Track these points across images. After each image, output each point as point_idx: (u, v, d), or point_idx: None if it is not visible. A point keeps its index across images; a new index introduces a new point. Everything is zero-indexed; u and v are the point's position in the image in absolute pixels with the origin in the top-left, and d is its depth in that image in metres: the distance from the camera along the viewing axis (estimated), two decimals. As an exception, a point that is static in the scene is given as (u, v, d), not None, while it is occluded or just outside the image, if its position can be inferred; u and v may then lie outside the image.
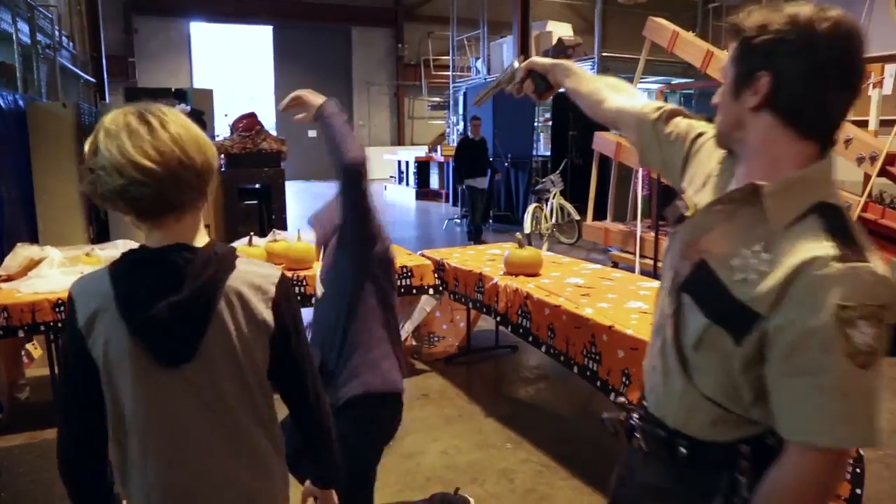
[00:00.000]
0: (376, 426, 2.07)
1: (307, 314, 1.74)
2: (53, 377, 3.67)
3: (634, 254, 6.26)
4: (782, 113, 1.06)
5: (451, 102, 16.97)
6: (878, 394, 1.00)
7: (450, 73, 17.05)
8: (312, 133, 22.33)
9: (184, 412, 1.19)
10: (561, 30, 14.70)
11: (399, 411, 2.10)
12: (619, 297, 3.22)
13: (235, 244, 4.12)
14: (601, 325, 2.79)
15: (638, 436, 1.29)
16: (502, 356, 4.70)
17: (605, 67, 12.67)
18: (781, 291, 0.99)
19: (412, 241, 8.53)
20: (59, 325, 3.35)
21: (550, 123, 12.08)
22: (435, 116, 21.67)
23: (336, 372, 1.99)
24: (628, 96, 1.52)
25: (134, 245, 3.44)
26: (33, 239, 5.91)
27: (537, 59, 1.65)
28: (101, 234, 6.78)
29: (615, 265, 6.64)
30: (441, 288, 4.18)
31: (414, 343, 4.62)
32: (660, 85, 10.39)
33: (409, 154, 17.06)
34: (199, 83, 19.83)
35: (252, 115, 7.77)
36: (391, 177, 18.86)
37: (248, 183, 7.34)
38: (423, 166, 16.14)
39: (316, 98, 2.06)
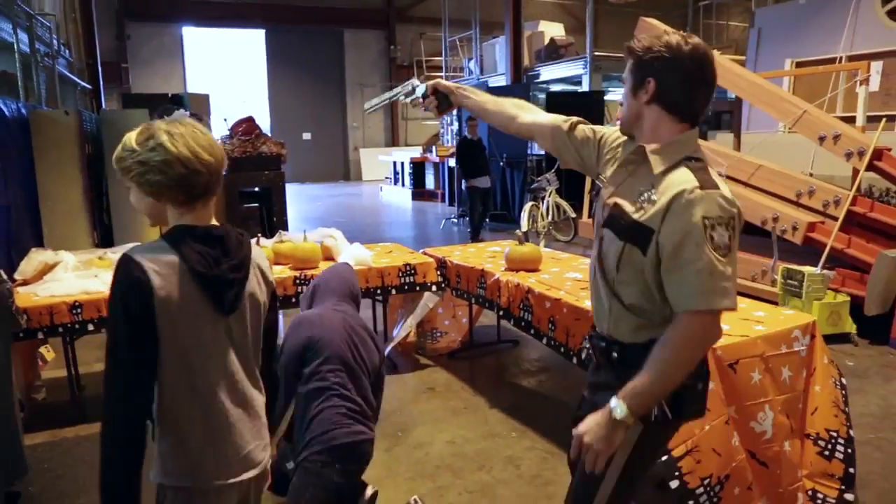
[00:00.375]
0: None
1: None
2: (70, 378, 3.78)
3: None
4: (665, 105, 1.57)
5: (445, 103, 17.07)
6: (734, 277, 1.47)
7: (443, 73, 17.17)
8: (307, 136, 22.48)
9: (227, 352, 1.52)
10: (553, 30, 14.86)
11: None
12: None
13: (243, 246, 4.23)
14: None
15: (591, 351, 1.80)
16: (504, 350, 4.83)
17: (597, 66, 12.84)
18: (665, 211, 1.48)
19: (409, 241, 8.65)
20: (76, 326, 3.46)
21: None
22: (428, 117, 21.79)
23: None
24: (535, 113, 1.96)
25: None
26: (38, 244, 5.99)
27: (441, 81, 2.06)
28: (105, 238, 6.89)
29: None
30: (443, 285, 4.30)
31: (417, 339, 4.74)
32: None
33: (404, 155, 17.18)
34: (192, 88, 19.90)
35: (251, 119, 7.87)
36: (386, 178, 18.97)
37: (249, 186, 7.44)
38: (418, 167, 16.25)
39: None
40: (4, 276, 3.84)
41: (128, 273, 1.38)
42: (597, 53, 12.63)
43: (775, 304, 4.09)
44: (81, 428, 3.56)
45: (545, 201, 9.46)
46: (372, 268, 4.11)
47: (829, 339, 3.96)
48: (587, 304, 3.06)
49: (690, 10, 14.97)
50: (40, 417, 3.62)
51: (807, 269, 4.87)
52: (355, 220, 12.31)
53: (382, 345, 2.77)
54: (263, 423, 1.63)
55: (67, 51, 10.31)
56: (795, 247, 5.40)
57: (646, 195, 1.55)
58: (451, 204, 13.65)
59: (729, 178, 6.10)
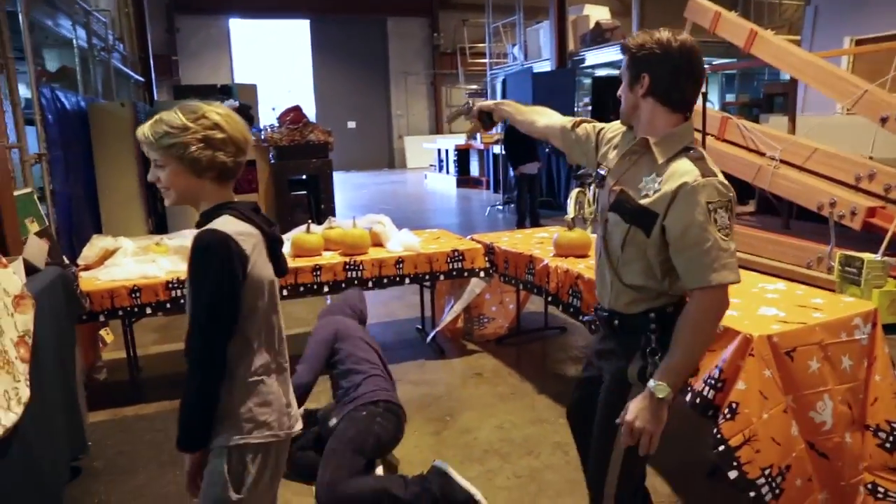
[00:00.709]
0: None
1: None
2: (129, 359, 3.92)
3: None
4: (659, 98, 1.73)
5: (489, 90, 16.97)
6: (735, 253, 1.64)
7: (486, 60, 17.04)
8: (352, 124, 22.67)
9: (279, 313, 1.70)
10: (598, 13, 14.57)
11: None
12: (667, 276, 3.29)
13: (293, 232, 4.31)
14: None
15: (597, 320, 1.99)
16: (551, 337, 4.81)
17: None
18: (671, 198, 1.66)
19: (455, 228, 8.66)
20: (135, 309, 3.59)
21: (590, 108, 12.04)
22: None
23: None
24: (549, 117, 2.24)
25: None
26: (97, 231, 6.21)
27: (482, 102, 2.45)
28: (159, 225, 7.08)
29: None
30: (491, 271, 4.30)
31: (465, 325, 4.76)
32: (701, 66, 10.26)
33: (449, 142, 17.14)
34: (239, 78, 20.24)
35: (297, 109, 7.98)
36: (431, 165, 19.00)
37: (297, 174, 7.54)
38: (462, 154, 16.21)
39: None
40: (67, 262, 4.01)
41: (228, 246, 1.50)
42: (644, 37, 12.36)
43: (831, 291, 3.98)
44: (140, 407, 3.70)
45: (591, 188, 9.34)
46: (420, 254, 4.13)
47: (888, 328, 3.83)
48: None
49: (742, -10, 14.52)
50: (101, 397, 3.76)
51: (866, 255, 4.70)
52: (401, 208, 12.38)
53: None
54: None
55: (121, 45, 10.58)
56: (853, 232, 5.22)
57: (651, 182, 1.73)
58: (495, 191, 13.60)
59: (783, 161, 5.94)
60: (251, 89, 10.64)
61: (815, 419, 2.31)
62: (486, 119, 2.44)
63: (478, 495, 2.68)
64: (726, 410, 2.19)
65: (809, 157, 5.78)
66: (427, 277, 4.22)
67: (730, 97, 15.52)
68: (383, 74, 22.91)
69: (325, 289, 3.99)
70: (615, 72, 14.30)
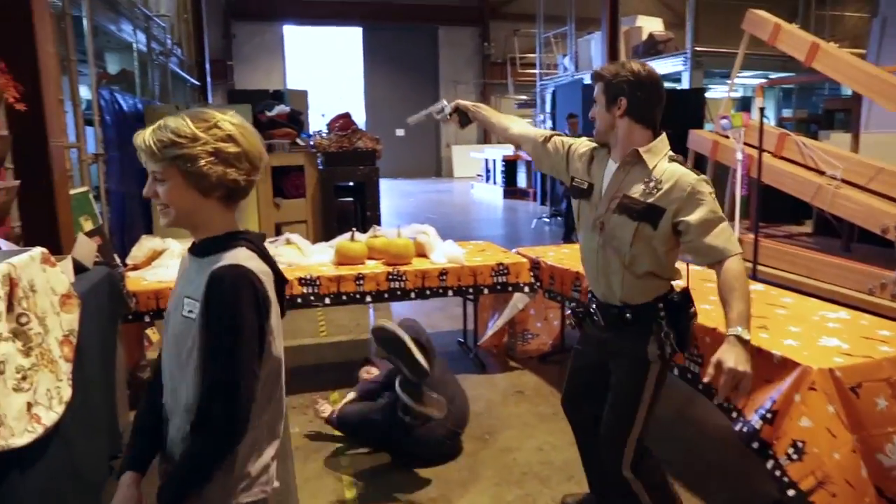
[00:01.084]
0: None
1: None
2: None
3: (731, 255, 6.07)
4: (634, 117, 2.07)
5: (538, 100, 16.87)
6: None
7: (536, 70, 16.94)
8: (400, 132, 22.78)
9: None
10: (651, 24, 14.35)
11: None
12: (720, 301, 3.15)
13: (337, 240, 4.30)
14: (704, 326, 2.74)
15: (597, 317, 2.25)
16: (595, 356, 4.67)
17: (698, 63, 12.30)
18: (671, 194, 2.02)
19: (500, 240, 8.58)
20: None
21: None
22: (521, 114, 21.62)
23: None
24: (522, 126, 2.59)
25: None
26: (149, 232, 6.33)
27: (461, 102, 2.66)
28: (207, 229, 7.18)
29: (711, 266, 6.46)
30: (536, 286, 4.21)
31: (508, 340, 4.67)
32: (759, 81, 10.00)
33: (497, 152, 17.07)
34: (291, 84, 20.56)
35: (347, 116, 8.02)
36: (478, 175, 18.95)
37: (344, 180, 7.57)
38: (510, 165, 16.12)
39: None
40: (118, 261, 4.08)
41: (253, 285, 1.34)
42: (698, 49, 12.08)
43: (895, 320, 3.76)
44: (182, 410, 3.71)
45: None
46: (465, 266, 4.07)
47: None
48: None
49: (802, 1, 14.11)
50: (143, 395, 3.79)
51: (934, 283, 4.45)
52: (447, 217, 12.35)
53: None
54: None
55: (179, 49, 10.86)
56: (920, 258, 4.97)
57: (651, 184, 2.05)
58: (542, 203, 13.47)
59: (845, 181, 5.69)
60: (302, 95, 10.77)
61: (883, 462, 2.15)
62: (463, 118, 2.65)
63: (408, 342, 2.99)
64: (790, 450, 2.06)
65: (874, 178, 5.52)
66: (470, 290, 4.16)
67: (787, 112, 15.08)
68: (433, 83, 22.99)
69: (368, 298, 3.96)
70: (668, 84, 14.06)
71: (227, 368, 1.31)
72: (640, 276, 2.09)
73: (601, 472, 2.30)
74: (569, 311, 2.76)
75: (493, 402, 3.89)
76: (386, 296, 3.97)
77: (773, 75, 12.20)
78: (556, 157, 2.35)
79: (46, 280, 2.16)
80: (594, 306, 2.26)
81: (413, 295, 4.00)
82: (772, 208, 6.79)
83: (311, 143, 7.61)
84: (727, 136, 6.40)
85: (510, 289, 4.17)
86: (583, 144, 2.28)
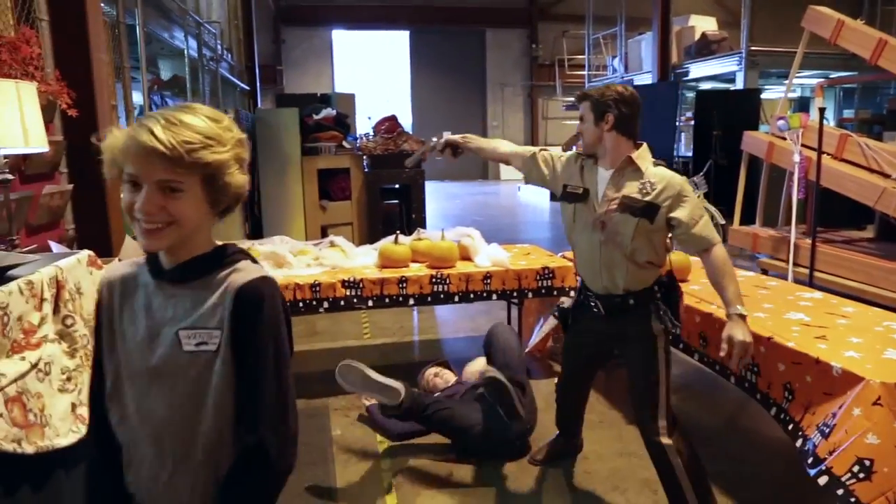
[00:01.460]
0: None
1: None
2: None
3: (787, 261, 5.86)
4: (620, 131, 2.41)
5: (586, 102, 16.63)
6: None
7: (585, 72, 16.74)
8: (447, 135, 22.80)
9: None
10: (704, 24, 14.00)
11: None
12: (776, 308, 3.03)
13: (381, 242, 4.29)
14: (759, 335, 2.63)
15: (597, 308, 2.54)
16: (642, 363, 4.55)
17: (753, 62, 11.94)
18: (663, 193, 2.35)
19: (546, 243, 8.46)
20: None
21: (693, 123, 11.55)
22: (569, 117, 21.31)
23: None
24: (511, 146, 2.88)
25: (289, 240, 3.65)
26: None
27: (451, 137, 2.90)
28: (255, 230, 7.30)
29: (764, 272, 6.25)
30: (581, 291, 4.12)
31: (553, 345, 4.59)
32: (818, 80, 9.64)
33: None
34: (340, 88, 20.82)
35: (393, 118, 8.05)
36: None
37: (390, 183, 7.59)
38: (556, 167, 15.91)
39: None
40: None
41: (283, 298, 1.23)
42: (753, 48, 11.72)
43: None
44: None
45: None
46: (509, 270, 4.01)
47: None
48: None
49: (867, -1, 13.58)
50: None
51: None
52: (493, 219, 12.29)
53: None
54: None
55: (229, 55, 11.08)
56: None
57: (646, 186, 2.37)
58: (588, 206, 13.24)
59: (911, 184, 5.43)
60: (349, 98, 10.89)
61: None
62: (454, 150, 2.89)
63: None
64: (856, 468, 1.94)
65: (942, 181, 5.25)
66: (515, 294, 4.09)
67: (848, 113, 14.53)
68: (480, 85, 22.95)
69: (411, 301, 3.94)
70: (721, 85, 13.70)
71: (278, 392, 1.17)
72: (641, 265, 2.41)
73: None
74: (555, 312, 2.94)
75: (538, 409, 3.81)
76: (429, 298, 3.94)
77: (834, 74, 11.76)
78: (546, 170, 2.67)
79: (92, 282, 2.19)
80: (593, 300, 2.55)
81: (456, 298, 3.96)
82: (830, 212, 6.52)
83: (357, 145, 7.66)
84: (784, 138, 6.17)
85: (555, 293, 4.09)
86: (567, 156, 2.64)
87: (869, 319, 2.82)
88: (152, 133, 1.06)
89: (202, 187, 1.12)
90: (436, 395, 3.53)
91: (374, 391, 3.19)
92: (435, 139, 2.96)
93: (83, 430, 1.88)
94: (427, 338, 5.27)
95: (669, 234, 2.46)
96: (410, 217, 7.40)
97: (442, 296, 3.92)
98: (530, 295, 4.09)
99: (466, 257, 4.21)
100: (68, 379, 1.86)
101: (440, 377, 3.76)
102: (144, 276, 1.23)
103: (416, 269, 4.01)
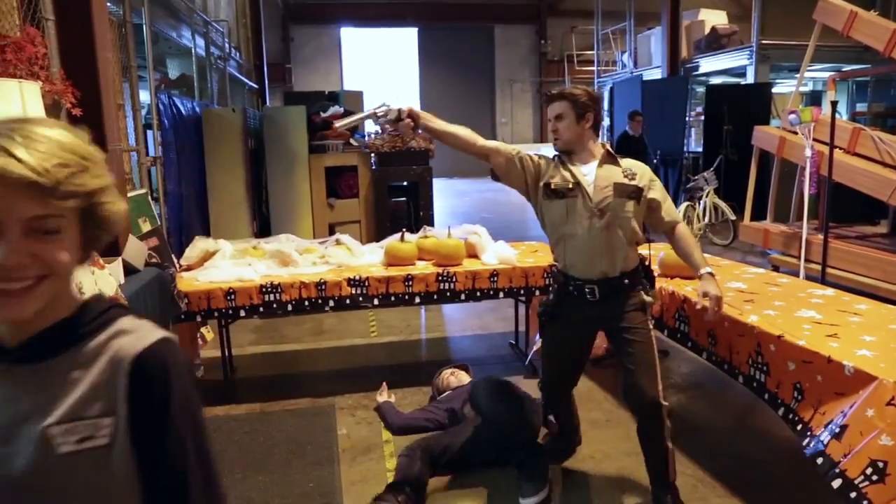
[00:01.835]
0: None
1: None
2: (223, 359, 4.00)
3: (799, 258, 5.78)
4: (594, 128, 2.66)
5: (595, 98, 16.54)
6: None
7: (594, 67, 16.64)
8: (407, 106, 22.74)
9: None
10: (714, 18, 13.88)
11: None
12: (787, 305, 2.97)
13: (387, 240, 4.27)
14: (769, 333, 2.59)
15: (591, 295, 2.61)
16: (652, 361, 4.50)
17: (764, 56, 11.81)
18: (643, 178, 2.64)
19: (555, 240, 8.42)
20: (230, 311, 3.64)
21: (703, 118, 11.46)
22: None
23: None
24: (488, 140, 2.84)
25: (294, 238, 3.61)
26: (206, 232, 6.46)
27: (414, 108, 2.80)
28: (263, 228, 7.30)
29: (775, 269, 6.18)
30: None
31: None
32: (830, 73, 9.53)
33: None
34: (348, 85, 20.80)
35: (400, 115, 7.98)
36: (532, 174, 18.72)
37: (398, 181, 7.56)
38: (565, 164, 15.84)
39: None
40: (175, 261, 4.15)
41: (187, 358, 0.98)
42: (764, 42, 11.59)
43: None
44: (231, 408, 3.75)
45: (702, 202, 8.86)
46: (516, 267, 3.98)
47: None
48: (753, 318, 2.75)
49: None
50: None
51: None
52: (502, 217, 12.25)
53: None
54: None
55: (238, 53, 11.09)
56: None
57: (627, 173, 2.61)
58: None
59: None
60: (357, 96, 10.84)
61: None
62: (415, 122, 2.78)
63: None
64: (868, 470, 1.89)
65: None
66: (522, 292, 4.06)
67: (861, 106, 14.35)
68: (489, 82, 22.90)
69: (417, 299, 3.91)
70: (731, 79, 13.58)
71: (205, 486, 0.92)
72: (632, 246, 2.62)
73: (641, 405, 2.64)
74: (541, 311, 2.86)
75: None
76: (435, 297, 3.91)
77: (846, 67, 11.62)
78: (526, 174, 2.71)
79: (94, 282, 2.18)
80: (588, 287, 2.61)
81: (463, 296, 3.93)
82: (843, 207, 6.43)
83: (365, 143, 7.64)
84: (795, 133, 6.09)
85: (563, 291, 4.05)
86: (545, 158, 2.74)
87: (882, 317, 2.76)
88: (12, 155, 0.77)
89: (78, 223, 0.85)
90: (439, 401, 3.53)
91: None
92: (387, 103, 2.78)
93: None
94: (434, 336, 5.25)
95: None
96: (418, 214, 7.36)
97: (448, 294, 3.89)
98: (538, 293, 4.06)
99: (473, 255, 4.18)
100: (68, 380, 1.84)
101: (455, 376, 3.74)
102: None
103: (423, 268, 3.99)
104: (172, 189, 5.80)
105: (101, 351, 0.88)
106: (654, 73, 13.48)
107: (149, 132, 5.56)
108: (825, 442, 2.09)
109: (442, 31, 22.16)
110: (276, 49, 19.08)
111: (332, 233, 5.57)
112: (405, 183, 7.72)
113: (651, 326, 2.65)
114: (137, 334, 0.90)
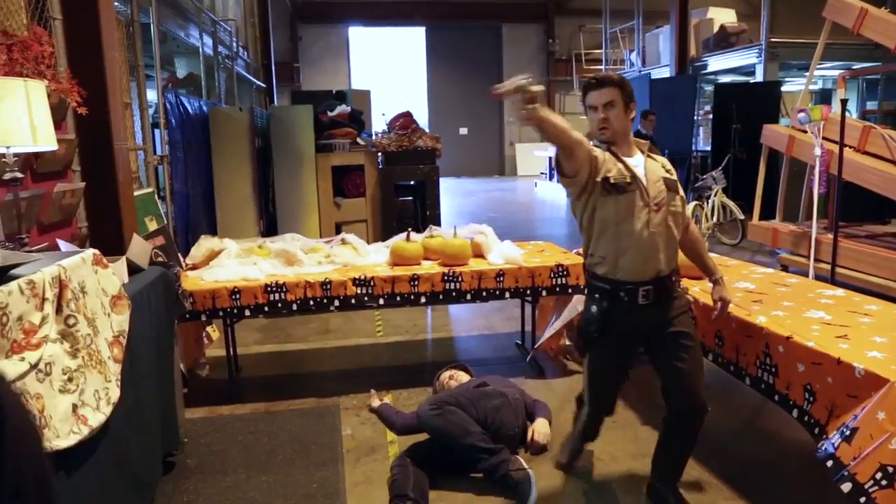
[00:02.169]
0: None
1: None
2: (229, 358, 3.99)
3: (808, 257, 5.73)
4: (631, 119, 2.49)
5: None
6: None
7: (602, 66, 16.58)
8: (463, 130, 22.75)
9: None
10: (723, 16, 13.80)
11: None
12: (796, 306, 2.94)
13: (393, 240, 4.25)
14: (777, 335, 2.56)
15: (646, 299, 2.43)
16: (659, 361, 4.47)
17: (773, 54, 11.72)
18: (675, 174, 2.54)
19: (562, 239, 8.39)
20: (235, 311, 3.64)
21: (711, 117, 11.39)
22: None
23: None
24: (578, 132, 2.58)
25: (300, 237, 3.54)
26: (212, 231, 6.47)
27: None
28: (269, 227, 7.30)
29: (784, 268, 6.13)
30: (596, 288, 4.05)
31: (567, 343, 4.53)
32: (840, 71, 9.44)
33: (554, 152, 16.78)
34: (356, 84, 20.83)
35: (408, 114, 8.00)
36: (541, 173, 18.74)
37: (404, 180, 7.55)
38: (573, 163, 15.80)
39: None
40: (181, 260, 4.15)
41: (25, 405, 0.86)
42: (773, 40, 11.50)
43: None
44: (236, 407, 3.74)
45: (710, 201, 8.81)
46: (522, 267, 3.96)
47: None
48: (761, 319, 2.72)
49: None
50: (200, 393, 3.84)
51: None
52: (509, 216, 12.22)
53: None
54: None
55: (245, 52, 11.10)
56: None
57: (666, 166, 2.52)
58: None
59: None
60: (364, 95, 10.82)
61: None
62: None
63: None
64: (878, 475, 1.86)
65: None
66: (528, 292, 4.04)
67: (871, 105, 14.24)
68: (496, 81, 21.85)
69: (422, 299, 3.90)
70: (740, 78, 13.50)
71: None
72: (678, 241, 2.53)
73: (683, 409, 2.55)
74: (584, 327, 2.57)
75: (551, 408, 3.76)
76: (441, 297, 3.90)
77: (857, 65, 11.52)
78: (593, 165, 2.38)
79: (97, 281, 2.18)
80: (642, 290, 2.42)
81: (469, 296, 3.91)
82: (853, 206, 6.38)
83: (372, 142, 7.63)
84: (804, 131, 6.04)
85: (570, 291, 4.03)
86: (601, 149, 2.45)
87: (893, 318, 2.72)
88: None
89: None
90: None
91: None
92: (529, 76, 2.22)
93: (85, 431, 1.86)
94: (440, 336, 5.23)
95: None
96: (425, 214, 7.35)
97: (454, 294, 3.87)
98: (544, 293, 4.04)
99: (479, 255, 4.16)
100: (69, 379, 1.84)
101: (454, 379, 3.72)
102: None
103: (428, 267, 3.97)
104: (179, 188, 5.80)
105: None
106: (663, 72, 13.42)
107: (156, 131, 5.57)
108: (835, 444, 2.06)
109: (450, 30, 22.16)
110: (284, 48, 19.11)
111: (338, 232, 5.57)
112: (412, 182, 7.71)
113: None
114: None
